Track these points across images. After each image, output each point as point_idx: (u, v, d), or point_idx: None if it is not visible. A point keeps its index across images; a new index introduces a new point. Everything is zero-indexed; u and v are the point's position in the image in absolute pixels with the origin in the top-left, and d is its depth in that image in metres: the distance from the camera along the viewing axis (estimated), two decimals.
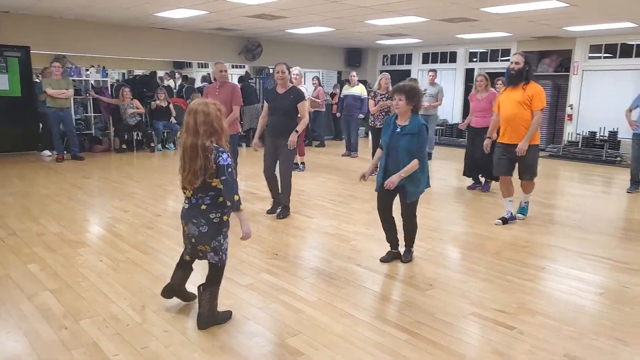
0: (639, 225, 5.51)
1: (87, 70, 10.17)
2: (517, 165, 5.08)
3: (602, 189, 7.82)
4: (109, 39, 10.09)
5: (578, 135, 10.79)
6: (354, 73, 10.33)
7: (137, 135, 10.27)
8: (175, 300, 3.23)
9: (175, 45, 11.10)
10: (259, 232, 4.73)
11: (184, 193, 2.82)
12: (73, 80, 9.36)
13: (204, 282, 2.87)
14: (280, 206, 5.35)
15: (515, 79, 4.83)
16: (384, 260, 4.02)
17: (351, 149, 10.11)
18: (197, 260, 3.02)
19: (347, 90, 10.20)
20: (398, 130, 3.70)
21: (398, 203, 3.94)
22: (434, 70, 9.54)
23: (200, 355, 2.57)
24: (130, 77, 13.99)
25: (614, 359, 2.63)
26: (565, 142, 10.90)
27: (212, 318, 2.85)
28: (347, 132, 10.30)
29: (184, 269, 3.06)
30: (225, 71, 5.94)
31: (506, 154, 5.02)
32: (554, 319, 3.08)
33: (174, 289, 3.08)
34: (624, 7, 7.30)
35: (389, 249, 4.09)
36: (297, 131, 5.08)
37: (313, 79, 12.03)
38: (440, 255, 4.26)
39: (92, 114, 10.07)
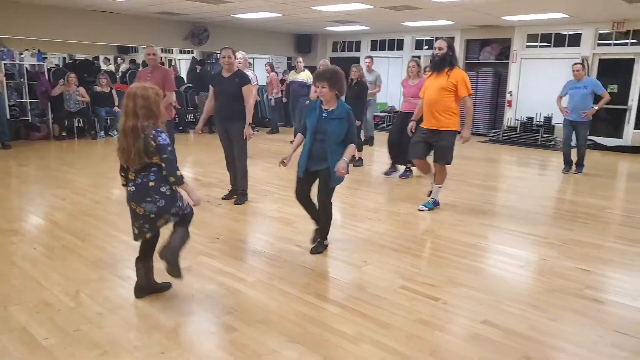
0: (564, 203, 5.93)
1: (21, 54, 9.71)
2: (433, 150, 5.09)
3: (537, 172, 8.27)
4: (47, 22, 9.65)
5: (517, 121, 11.32)
6: (300, 59, 10.31)
7: (79, 122, 9.92)
8: (111, 283, 3.25)
9: (119, 29, 10.76)
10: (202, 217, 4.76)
11: (123, 176, 2.89)
12: (5, 64, 8.93)
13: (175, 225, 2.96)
14: (237, 193, 5.38)
15: (439, 64, 4.88)
16: (314, 240, 4.01)
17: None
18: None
19: (293, 77, 10.19)
20: (325, 114, 3.70)
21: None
22: (370, 57, 9.37)
23: (135, 335, 2.61)
24: (70, 61, 13.45)
25: (524, 321, 2.88)
26: (505, 127, 11.41)
27: (175, 254, 2.89)
28: (295, 119, 10.31)
29: (144, 261, 3.01)
30: (154, 54, 5.64)
31: (424, 138, 5.04)
32: (476, 289, 3.31)
33: (143, 286, 3.03)
34: None
35: (316, 227, 4.04)
36: (250, 123, 5.09)
37: (266, 64, 11.97)
38: (377, 234, 4.43)
39: (28, 100, 9.62)
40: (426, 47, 12.93)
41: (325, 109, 3.71)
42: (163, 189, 2.81)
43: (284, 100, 11.14)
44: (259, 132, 11.49)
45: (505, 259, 3.93)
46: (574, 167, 7.60)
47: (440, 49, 4.86)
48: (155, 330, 2.67)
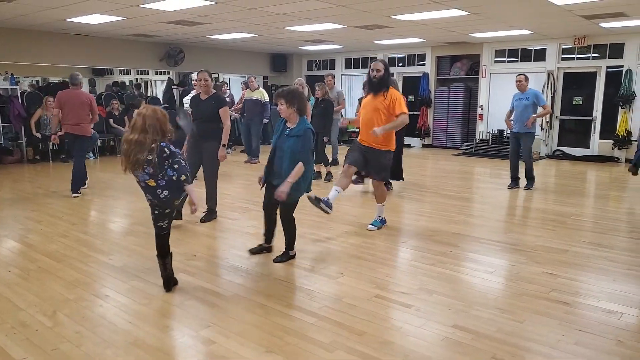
0: (533, 212, 6.14)
1: None
2: (369, 166, 5.02)
3: (508, 182, 8.48)
4: (19, 45, 9.63)
5: (488, 134, 11.65)
6: (253, 78, 10.05)
7: (53, 145, 9.87)
8: (89, 302, 3.27)
9: (93, 52, 10.79)
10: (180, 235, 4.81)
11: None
12: None
13: (161, 251, 3.45)
14: (207, 210, 5.41)
15: (378, 86, 4.85)
16: (253, 251, 4.25)
17: (251, 155, 9.88)
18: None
19: (247, 95, 9.95)
20: (286, 132, 3.88)
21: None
22: (332, 75, 9.02)
23: (113, 352, 2.65)
24: (44, 84, 13.40)
25: (492, 324, 3.00)
26: (477, 140, 11.72)
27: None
28: (247, 137, 10.05)
29: (163, 257, 3.46)
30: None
31: (362, 150, 4.98)
32: (447, 296, 3.42)
33: (166, 278, 3.48)
34: (518, 16, 8.05)
35: (262, 242, 4.29)
36: (224, 145, 5.20)
37: (242, 83, 12.04)
38: (353, 246, 4.54)
39: (1, 124, 9.57)
40: (400, 64, 13.25)
41: (288, 127, 3.88)
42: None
43: (238, 116, 10.88)
44: (235, 150, 11.58)
45: (476, 265, 4.07)
46: (524, 182, 7.42)
47: (378, 71, 4.82)
48: (133, 346, 2.71)
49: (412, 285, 3.62)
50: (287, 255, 4.13)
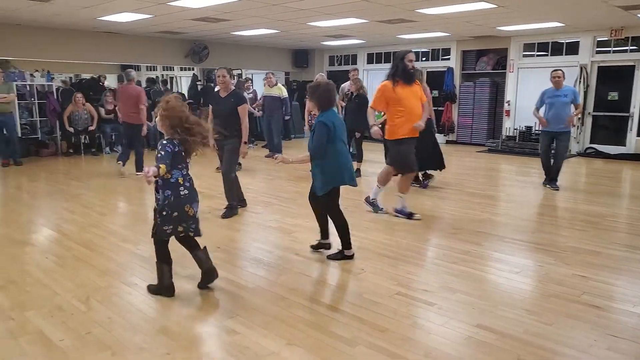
0: (563, 211, 5.99)
1: (31, 75, 10.05)
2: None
3: (535, 180, 8.33)
4: (53, 44, 10.02)
5: (515, 130, 11.43)
6: (271, 74, 9.92)
7: (85, 138, 10.21)
8: (118, 290, 3.41)
9: (122, 49, 11.06)
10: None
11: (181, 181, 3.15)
12: (17, 85, 9.27)
13: (195, 247, 3.30)
14: (227, 206, 5.41)
15: (414, 75, 5.11)
16: (313, 247, 4.26)
17: (274, 150, 9.77)
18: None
19: (266, 92, 9.79)
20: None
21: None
22: (357, 70, 8.70)
23: (141, 338, 2.74)
24: (76, 81, 13.79)
25: (518, 325, 2.95)
26: (504, 136, 11.52)
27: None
28: (268, 134, 9.99)
29: (169, 263, 3.30)
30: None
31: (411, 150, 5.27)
32: (471, 295, 3.38)
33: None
34: (548, 8, 7.85)
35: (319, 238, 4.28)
36: (245, 142, 5.24)
37: (264, 79, 12.10)
38: (375, 242, 4.53)
39: (38, 119, 9.97)
40: (424, 58, 13.10)
41: None
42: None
43: (259, 114, 10.67)
44: (257, 145, 11.70)
45: (501, 265, 3.99)
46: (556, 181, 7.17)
47: (415, 61, 5.12)
48: (160, 333, 2.80)
49: (435, 283, 3.60)
50: (342, 255, 4.08)
